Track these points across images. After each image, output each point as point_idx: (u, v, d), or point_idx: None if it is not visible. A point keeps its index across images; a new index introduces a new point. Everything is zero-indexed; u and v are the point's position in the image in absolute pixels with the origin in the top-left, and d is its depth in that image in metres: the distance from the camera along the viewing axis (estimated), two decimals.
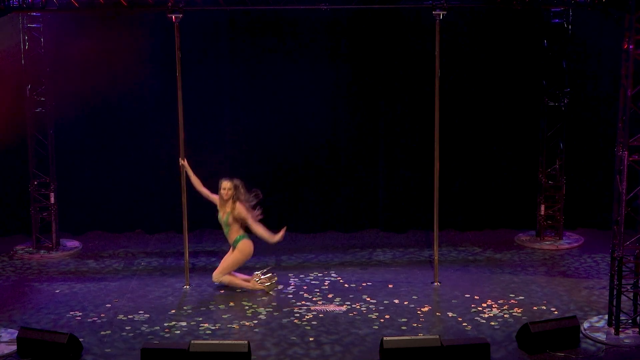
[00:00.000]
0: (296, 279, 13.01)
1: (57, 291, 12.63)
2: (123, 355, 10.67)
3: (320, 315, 11.73)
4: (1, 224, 14.98)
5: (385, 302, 12.14)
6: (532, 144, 14.69)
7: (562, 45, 14.03)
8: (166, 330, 11.33)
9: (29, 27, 13.72)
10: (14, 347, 10.67)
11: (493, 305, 11.97)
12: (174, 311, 11.94)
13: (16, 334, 10.71)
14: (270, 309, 11.92)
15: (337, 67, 14.71)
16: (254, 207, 12.52)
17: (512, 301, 12.12)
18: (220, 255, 13.83)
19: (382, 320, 11.58)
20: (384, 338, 10.32)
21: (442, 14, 12.19)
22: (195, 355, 10.10)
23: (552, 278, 13.03)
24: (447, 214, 14.61)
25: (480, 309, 11.88)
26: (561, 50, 14.05)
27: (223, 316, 11.74)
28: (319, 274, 13.22)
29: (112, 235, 15.03)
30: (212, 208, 15.00)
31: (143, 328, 11.37)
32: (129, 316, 11.72)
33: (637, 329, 11.06)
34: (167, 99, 13.75)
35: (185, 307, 12.04)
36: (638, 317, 11.10)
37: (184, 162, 12.46)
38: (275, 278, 12.61)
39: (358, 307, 12.00)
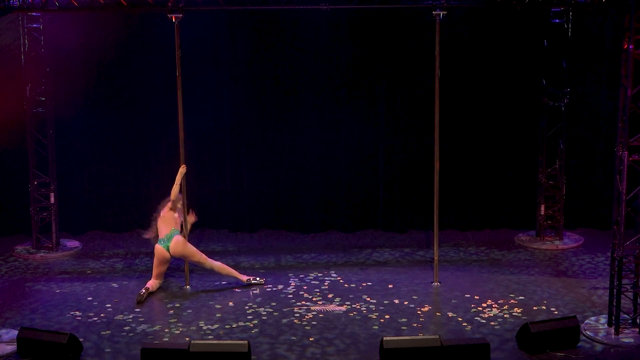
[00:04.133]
0: (296, 279, 13.01)
1: (57, 291, 12.64)
2: (123, 355, 10.68)
3: (320, 315, 11.73)
4: (1, 224, 14.97)
5: (385, 302, 12.14)
6: (532, 144, 14.68)
7: (562, 45, 14.03)
8: (166, 330, 11.33)
9: (29, 27, 13.72)
10: (14, 347, 10.68)
11: (493, 305, 11.97)
12: (173, 311, 11.94)
13: (16, 334, 10.72)
14: (271, 309, 11.92)
15: (337, 67, 14.71)
16: None
17: (512, 301, 12.12)
18: (220, 254, 13.87)
19: (382, 320, 11.58)
20: (384, 338, 10.32)
21: (442, 14, 12.19)
22: (195, 355, 10.10)
23: (552, 278, 13.02)
24: (447, 214, 14.61)
25: (480, 309, 11.88)
26: (561, 50, 14.05)
27: (223, 316, 11.75)
28: (319, 274, 13.22)
29: (112, 235, 15.03)
30: (213, 208, 15.07)
31: (143, 328, 11.38)
32: (129, 316, 11.72)
33: (637, 329, 11.06)
34: (167, 98, 13.75)
35: (185, 307, 12.04)
36: (638, 317, 11.11)
37: (183, 170, 12.50)
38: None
39: (358, 307, 12.00)
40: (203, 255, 12.67)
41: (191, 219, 12.85)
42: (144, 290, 12.24)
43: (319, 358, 10.59)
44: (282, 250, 14.31)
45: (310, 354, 10.69)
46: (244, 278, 12.71)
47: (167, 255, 12.49)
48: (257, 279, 12.76)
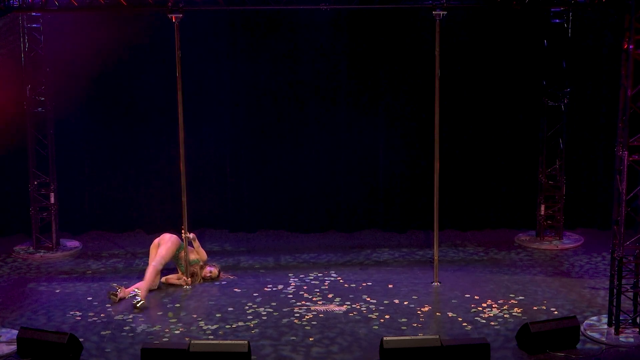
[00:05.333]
0: (296, 279, 13.01)
1: (57, 291, 12.63)
2: (123, 355, 10.68)
3: (320, 315, 11.73)
4: (1, 224, 14.96)
5: (385, 302, 12.13)
6: (532, 144, 14.68)
7: (562, 45, 14.03)
8: (166, 330, 11.33)
9: (29, 27, 13.72)
10: (14, 347, 10.68)
11: (493, 305, 11.97)
12: (173, 311, 11.93)
13: (16, 334, 10.72)
14: (271, 309, 11.92)
15: (337, 67, 14.71)
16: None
17: (512, 301, 12.12)
18: (219, 255, 13.87)
19: (382, 320, 11.58)
20: (384, 338, 10.31)
21: (442, 14, 12.19)
22: (195, 355, 10.10)
23: (552, 278, 13.02)
24: (447, 214, 14.61)
25: (480, 309, 11.88)
26: (561, 50, 14.04)
27: (223, 316, 11.74)
28: (319, 274, 13.21)
29: (112, 235, 15.03)
30: (213, 209, 15.07)
31: (143, 328, 11.38)
32: (129, 316, 11.72)
33: (637, 329, 11.06)
34: (167, 98, 13.76)
35: (185, 307, 12.04)
36: (638, 317, 11.10)
37: (186, 235, 12.73)
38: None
39: (358, 307, 12.00)
40: (160, 258, 12.57)
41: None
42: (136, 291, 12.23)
43: (319, 358, 10.58)
44: (282, 250, 14.31)
45: (316, 353, 10.68)
46: (135, 291, 12.10)
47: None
48: (140, 302, 11.89)
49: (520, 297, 12.25)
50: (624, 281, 10.98)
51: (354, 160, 15.03)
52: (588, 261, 13.71)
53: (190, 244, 12.86)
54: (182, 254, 12.70)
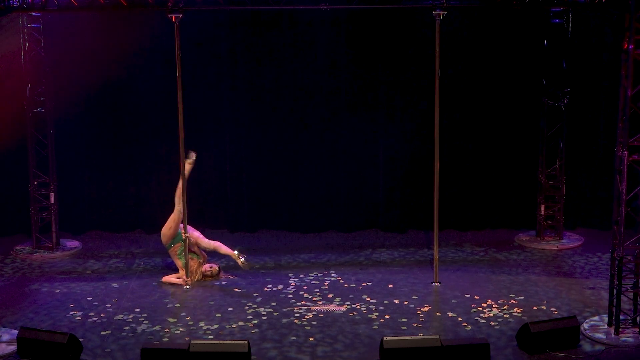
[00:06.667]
0: (296, 279, 13.01)
1: (57, 291, 12.63)
2: (123, 355, 10.67)
3: (320, 315, 11.73)
4: (1, 224, 14.95)
5: (385, 302, 12.13)
6: (532, 144, 14.68)
7: (562, 45, 14.03)
8: (166, 330, 11.33)
9: (29, 27, 13.72)
10: (14, 347, 10.68)
11: (493, 305, 11.97)
12: (173, 311, 11.93)
13: (16, 334, 10.72)
14: (271, 309, 11.92)
15: (337, 67, 14.71)
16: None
17: (512, 301, 12.12)
18: (219, 255, 13.86)
19: (382, 320, 11.58)
20: (384, 338, 10.32)
21: (442, 14, 12.19)
22: (195, 355, 10.10)
23: (552, 278, 13.02)
24: (447, 214, 14.61)
25: (480, 309, 11.88)
26: (561, 50, 14.05)
27: (223, 316, 11.74)
28: (319, 274, 13.22)
29: (112, 235, 15.02)
30: (212, 208, 15.08)
31: (143, 328, 11.38)
32: (129, 316, 11.72)
33: (637, 329, 11.06)
34: (167, 98, 13.75)
35: (185, 307, 12.04)
36: (638, 317, 11.11)
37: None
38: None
39: (358, 307, 12.00)
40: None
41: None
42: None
43: (319, 358, 10.57)
44: (282, 250, 14.31)
45: (311, 353, 10.68)
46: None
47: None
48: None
49: (520, 297, 12.25)
50: (623, 281, 10.98)
51: (354, 160, 15.03)
52: (588, 261, 13.71)
53: (190, 248, 12.87)
54: (179, 246, 12.78)
